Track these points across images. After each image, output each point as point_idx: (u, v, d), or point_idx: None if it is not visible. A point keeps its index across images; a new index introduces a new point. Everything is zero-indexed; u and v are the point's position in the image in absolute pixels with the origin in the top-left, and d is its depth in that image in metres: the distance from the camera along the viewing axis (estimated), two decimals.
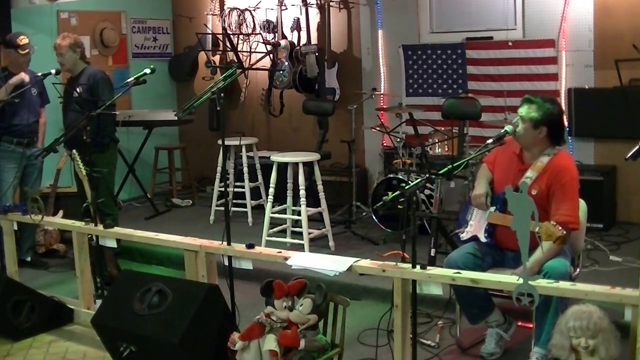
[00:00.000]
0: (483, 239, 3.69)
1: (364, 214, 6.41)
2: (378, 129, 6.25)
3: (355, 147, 6.50)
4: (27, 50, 5.44)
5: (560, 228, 3.15)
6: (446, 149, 5.81)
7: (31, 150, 5.58)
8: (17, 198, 5.57)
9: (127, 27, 7.92)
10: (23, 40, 5.44)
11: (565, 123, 5.96)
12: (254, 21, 7.48)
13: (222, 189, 5.17)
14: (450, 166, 3.37)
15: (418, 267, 3.18)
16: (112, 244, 4.45)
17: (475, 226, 3.77)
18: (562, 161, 3.60)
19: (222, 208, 4.39)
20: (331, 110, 6.36)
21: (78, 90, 5.05)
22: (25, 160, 5.58)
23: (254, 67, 7.06)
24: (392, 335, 3.36)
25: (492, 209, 3.68)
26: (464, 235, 3.82)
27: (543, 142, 3.61)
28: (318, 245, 5.65)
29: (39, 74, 5.21)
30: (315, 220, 5.81)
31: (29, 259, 5.76)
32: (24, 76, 5.38)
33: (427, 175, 3.49)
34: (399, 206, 3.27)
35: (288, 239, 5.71)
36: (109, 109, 4.72)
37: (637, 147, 2.91)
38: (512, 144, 3.71)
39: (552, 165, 3.57)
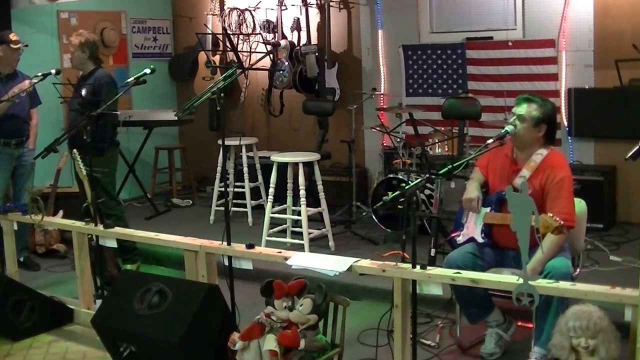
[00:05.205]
0: (480, 240, 3.70)
1: (364, 214, 6.41)
2: (378, 129, 6.24)
3: (355, 147, 6.50)
4: (19, 45, 5.40)
5: (557, 219, 3.16)
6: (446, 149, 5.81)
7: (20, 150, 5.54)
8: (9, 199, 5.54)
9: (127, 27, 7.92)
10: (14, 36, 5.43)
11: (565, 123, 6.00)
12: (254, 21, 7.48)
13: (222, 189, 5.18)
14: (450, 166, 3.37)
15: (418, 267, 3.18)
16: (112, 244, 4.45)
17: (471, 228, 3.77)
18: (555, 160, 3.62)
19: (222, 208, 4.39)
20: (331, 110, 6.36)
21: (82, 91, 5.05)
22: (15, 161, 5.55)
23: (254, 67, 7.06)
24: (392, 335, 3.36)
25: (487, 209, 3.69)
26: (460, 239, 3.82)
27: (539, 141, 3.64)
28: (318, 245, 5.65)
29: (40, 74, 5.19)
30: (315, 220, 5.81)
31: (21, 259, 5.68)
32: (26, 85, 5.36)
33: (427, 175, 3.49)
34: (399, 206, 3.27)
35: (288, 239, 5.71)
36: (108, 111, 4.71)
37: (637, 147, 2.91)
38: (504, 147, 3.72)
39: (545, 164, 3.59)
